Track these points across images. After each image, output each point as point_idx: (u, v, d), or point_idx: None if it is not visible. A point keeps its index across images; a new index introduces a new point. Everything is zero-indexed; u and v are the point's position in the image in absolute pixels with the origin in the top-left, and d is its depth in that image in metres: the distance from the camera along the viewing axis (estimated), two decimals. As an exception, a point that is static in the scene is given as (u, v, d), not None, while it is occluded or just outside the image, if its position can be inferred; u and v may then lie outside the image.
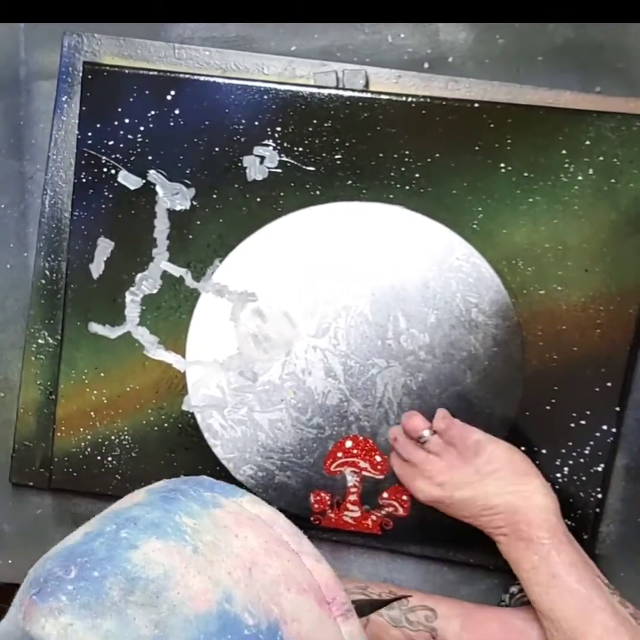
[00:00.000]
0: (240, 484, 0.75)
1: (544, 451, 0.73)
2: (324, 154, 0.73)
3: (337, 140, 0.73)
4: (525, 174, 0.71)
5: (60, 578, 0.45)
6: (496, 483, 0.67)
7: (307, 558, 0.53)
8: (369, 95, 0.72)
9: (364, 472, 0.75)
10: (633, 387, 0.75)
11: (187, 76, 0.74)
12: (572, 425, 0.72)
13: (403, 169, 0.72)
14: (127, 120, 0.74)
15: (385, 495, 0.75)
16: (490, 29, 0.75)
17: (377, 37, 0.76)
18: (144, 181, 0.75)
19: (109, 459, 0.77)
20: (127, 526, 0.48)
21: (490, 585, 0.78)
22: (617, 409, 0.72)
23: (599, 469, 0.73)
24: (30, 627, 0.44)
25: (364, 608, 0.58)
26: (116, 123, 0.74)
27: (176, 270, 0.75)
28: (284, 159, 0.73)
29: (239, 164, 0.74)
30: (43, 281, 0.78)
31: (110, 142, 0.74)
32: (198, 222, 0.74)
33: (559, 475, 0.73)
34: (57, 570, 0.46)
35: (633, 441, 0.75)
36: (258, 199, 0.74)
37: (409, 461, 0.71)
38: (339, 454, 0.75)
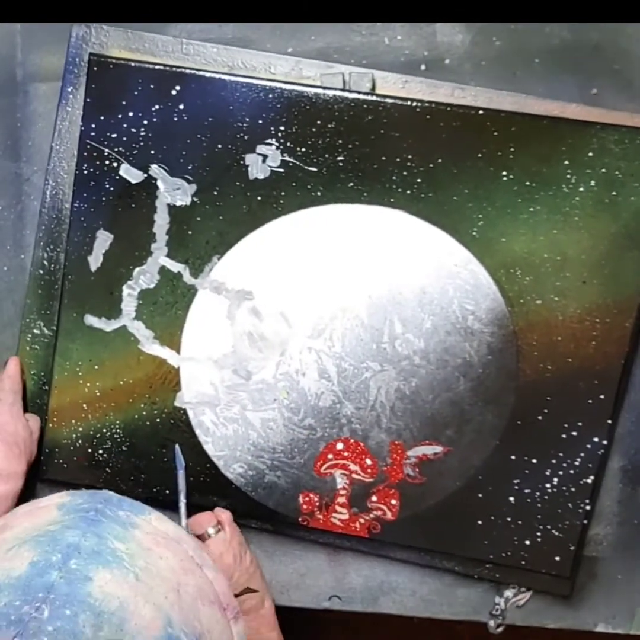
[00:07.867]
0: (230, 482, 0.76)
1: (534, 461, 0.73)
2: (326, 155, 0.73)
3: (340, 142, 0.73)
4: (527, 183, 0.71)
5: (38, 619, 0.46)
6: None
7: (208, 570, 0.55)
8: (374, 98, 0.72)
9: (353, 475, 0.75)
10: (629, 391, 0.75)
11: (192, 72, 0.73)
12: (564, 436, 0.72)
13: (405, 173, 0.72)
14: (131, 114, 0.74)
15: (374, 498, 0.75)
16: (487, 31, 0.75)
17: (374, 39, 0.76)
18: (145, 175, 0.74)
19: (100, 451, 0.77)
20: (73, 556, 0.49)
21: (487, 587, 0.78)
22: (609, 421, 0.72)
23: (589, 481, 0.72)
24: None
25: None
26: (120, 116, 0.74)
27: (174, 266, 0.75)
28: (287, 158, 0.73)
29: (241, 162, 0.74)
30: (41, 271, 0.78)
31: (114, 135, 0.74)
32: (198, 219, 0.74)
33: (548, 485, 0.73)
34: (28, 608, 0.46)
35: (630, 443, 0.76)
36: (259, 198, 0.74)
37: None
38: (330, 456, 0.75)
